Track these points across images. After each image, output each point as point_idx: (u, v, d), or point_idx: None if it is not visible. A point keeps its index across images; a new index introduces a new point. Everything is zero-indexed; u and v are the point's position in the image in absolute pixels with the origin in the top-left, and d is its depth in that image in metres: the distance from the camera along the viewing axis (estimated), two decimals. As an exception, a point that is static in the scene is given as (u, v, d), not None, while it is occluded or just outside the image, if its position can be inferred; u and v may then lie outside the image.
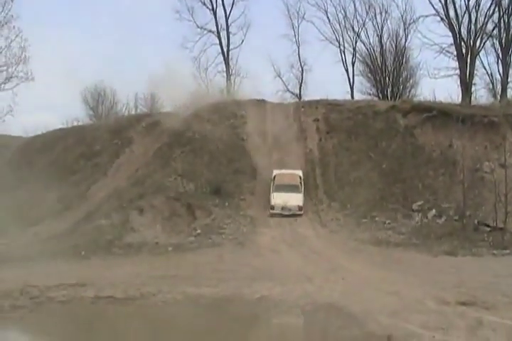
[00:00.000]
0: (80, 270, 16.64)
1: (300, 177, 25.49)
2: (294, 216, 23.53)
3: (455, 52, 37.84)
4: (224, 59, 45.99)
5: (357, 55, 45.38)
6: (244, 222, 22.79)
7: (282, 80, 47.90)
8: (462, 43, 37.51)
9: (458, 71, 37.86)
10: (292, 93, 47.41)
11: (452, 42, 37.83)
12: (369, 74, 44.96)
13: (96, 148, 31.09)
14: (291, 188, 24.34)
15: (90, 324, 12.17)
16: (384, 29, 43.69)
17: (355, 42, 44.89)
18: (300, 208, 23.80)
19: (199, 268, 16.73)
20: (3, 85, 36.92)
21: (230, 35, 45.69)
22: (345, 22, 44.74)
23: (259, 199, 24.97)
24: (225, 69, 46.12)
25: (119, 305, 12.91)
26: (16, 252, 19.55)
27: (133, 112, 46.02)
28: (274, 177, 25.19)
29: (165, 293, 13.51)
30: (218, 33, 45.42)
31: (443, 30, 39.31)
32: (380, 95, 42.95)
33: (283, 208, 23.64)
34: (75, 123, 40.79)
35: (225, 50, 45.86)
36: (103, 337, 11.12)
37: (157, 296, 13.32)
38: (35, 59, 51.02)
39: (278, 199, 23.90)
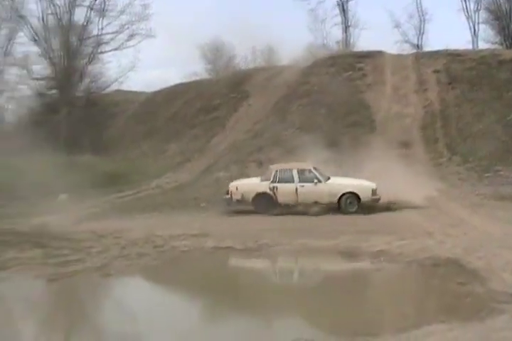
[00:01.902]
0: (200, 221, 17.10)
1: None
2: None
3: None
4: (341, 11, 45.11)
5: (482, 1, 43.18)
6: (362, 176, 22.55)
7: (401, 31, 46.52)
8: None
9: None
10: (411, 44, 46.00)
11: None
12: (494, 22, 42.70)
13: (215, 102, 31.61)
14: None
15: (209, 272, 12.57)
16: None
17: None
18: None
19: (318, 221, 16.82)
20: (126, 42, 38.15)
21: (347, -14, 44.69)
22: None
23: (378, 152, 24.58)
24: (341, 21, 45.28)
25: (238, 255, 13.27)
26: (141, 203, 20.42)
27: (251, 66, 46.24)
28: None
29: (284, 244, 13.69)
30: (335, -17, 44.50)
31: None
32: (506, 43, 40.79)
33: None
34: (194, 78, 41.51)
35: (341, 1, 44.92)
36: (218, 283, 11.43)
37: (275, 248, 13.52)
38: (157, 16, 52.10)
39: None
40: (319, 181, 18.06)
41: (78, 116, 35.47)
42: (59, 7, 37.47)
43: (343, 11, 45.04)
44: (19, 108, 43.14)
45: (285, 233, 14.74)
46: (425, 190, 19.16)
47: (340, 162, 23.43)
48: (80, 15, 38.28)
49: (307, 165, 18.85)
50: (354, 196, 17.87)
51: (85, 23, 38.21)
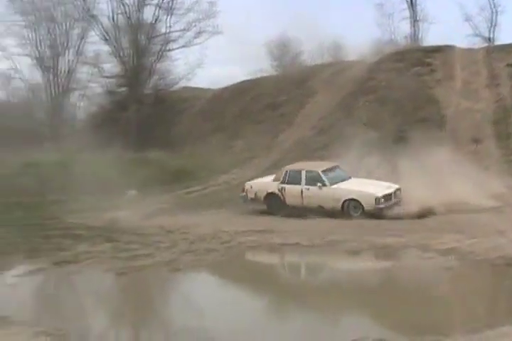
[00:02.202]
0: (266, 217, 17.16)
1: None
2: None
3: None
4: (409, 5, 44.31)
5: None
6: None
7: (472, 24, 45.38)
8: None
9: None
10: (482, 37, 44.79)
11: None
12: None
13: (281, 99, 31.56)
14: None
15: (276, 269, 12.60)
16: None
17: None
18: None
19: (385, 218, 16.63)
20: (194, 40, 38.55)
21: (415, -21, 43.80)
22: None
23: (447, 149, 24.09)
24: (410, 15, 44.47)
25: (305, 252, 13.24)
26: (208, 199, 20.61)
27: (317, 62, 45.98)
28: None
29: (350, 241, 13.60)
30: (403, -23, 43.69)
31: None
32: None
33: None
34: (261, 75, 41.55)
35: (410, -5, 44.12)
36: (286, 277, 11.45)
37: (342, 244, 13.44)
38: (224, 13, 52.36)
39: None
40: (324, 185, 17.31)
41: (147, 113, 35.98)
42: (128, 6, 38.07)
43: (412, 5, 44.18)
44: (90, 105, 44.18)
45: (351, 230, 14.65)
46: (495, 186, 18.64)
47: (406, 159, 23.09)
48: (148, 13, 38.82)
49: (317, 167, 18.14)
50: (357, 203, 16.75)
51: (154, 22, 38.70)
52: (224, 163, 21.73)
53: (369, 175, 19.33)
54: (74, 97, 42.47)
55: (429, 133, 24.74)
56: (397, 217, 15.97)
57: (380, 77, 29.19)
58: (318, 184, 17.28)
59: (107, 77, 40.29)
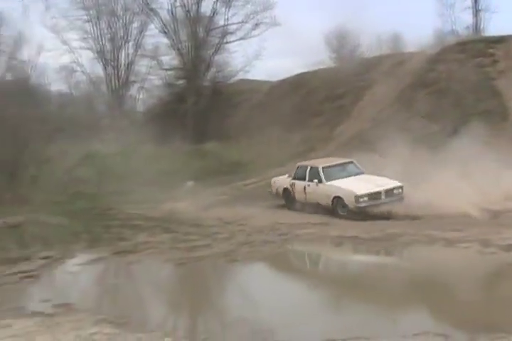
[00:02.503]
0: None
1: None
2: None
3: None
4: (471, -7, 43.31)
5: None
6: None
7: (537, 12, 44.10)
8: None
9: None
10: (548, 26, 43.53)
11: None
12: None
13: (339, 91, 31.31)
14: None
15: (334, 262, 12.54)
16: None
17: None
18: None
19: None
20: (251, 32, 38.59)
21: (479, -33, 42.74)
22: None
23: (509, 142, 23.52)
24: (471, 5, 43.46)
25: (363, 244, 13.14)
26: (264, 191, 20.63)
27: (376, 54, 45.47)
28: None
29: (410, 235, 13.44)
30: (466, -35, 42.70)
31: None
32: None
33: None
34: (319, 67, 41.33)
35: (473, -17, 43.09)
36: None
37: (402, 238, 13.29)
38: (281, 4, 52.33)
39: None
40: (320, 181, 17.13)
41: (204, 105, 36.30)
42: (187, -1, 38.44)
43: (474, -6, 43.25)
44: (149, 98, 44.74)
45: (409, 224, 14.47)
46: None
47: (467, 152, 22.65)
48: (206, 6, 39.04)
49: (323, 163, 18.04)
50: (343, 200, 16.41)
51: (212, 14, 38.92)
52: (281, 155, 21.73)
53: (420, 170, 19.08)
54: (133, 90, 43.09)
55: (492, 126, 24.28)
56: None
57: (440, 68, 28.63)
58: (315, 180, 17.21)
59: (166, 69, 40.75)
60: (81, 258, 11.87)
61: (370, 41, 48.70)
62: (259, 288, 10.33)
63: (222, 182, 21.33)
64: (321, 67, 38.94)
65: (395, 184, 16.81)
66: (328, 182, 17.10)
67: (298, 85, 34.56)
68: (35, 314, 8.09)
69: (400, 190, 16.68)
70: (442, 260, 12.25)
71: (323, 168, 17.65)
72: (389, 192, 16.55)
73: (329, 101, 30.93)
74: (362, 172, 18.06)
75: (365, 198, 16.18)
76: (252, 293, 10.03)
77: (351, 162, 18.53)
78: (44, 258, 11.42)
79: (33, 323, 7.67)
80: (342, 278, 11.01)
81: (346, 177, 17.50)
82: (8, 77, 43.34)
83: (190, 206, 17.05)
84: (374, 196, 16.29)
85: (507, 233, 12.91)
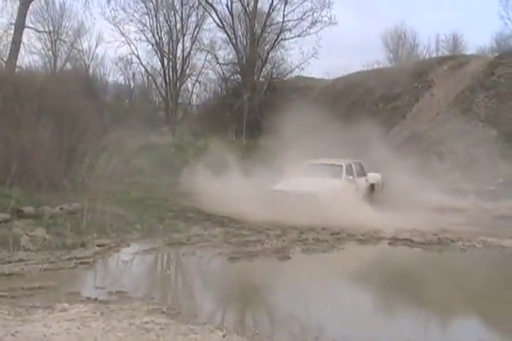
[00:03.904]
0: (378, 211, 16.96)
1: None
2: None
3: None
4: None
5: None
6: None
7: None
8: None
9: None
10: None
11: None
12: None
13: (396, 91, 31.07)
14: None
15: (385, 265, 12.41)
16: None
17: None
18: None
19: (500, 218, 16.09)
20: (308, 29, 38.47)
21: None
22: None
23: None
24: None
25: (416, 248, 13.00)
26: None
27: (434, 55, 44.87)
28: None
29: (464, 240, 13.26)
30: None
31: None
32: None
33: None
34: (376, 66, 41.04)
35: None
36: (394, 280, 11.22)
37: (456, 243, 13.13)
38: (339, 3, 52.14)
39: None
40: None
41: (259, 101, 36.40)
42: (245, -5, 38.50)
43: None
44: (204, 91, 45.10)
45: (467, 228, 14.29)
46: None
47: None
48: (264, 2, 39.14)
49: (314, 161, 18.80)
50: None
51: (269, 10, 38.97)
52: (334, 155, 21.51)
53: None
54: (189, 83, 43.45)
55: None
56: None
57: (500, 72, 28.13)
58: None
59: (222, 64, 40.98)
60: (135, 247, 11.99)
61: (428, 42, 48.22)
62: (309, 286, 10.27)
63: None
64: (379, 66, 38.84)
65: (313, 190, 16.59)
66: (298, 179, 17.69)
67: (354, 84, 34.41)
68: (89, 300, 8.19)
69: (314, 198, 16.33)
70: (494, 268, 12.02)
71: (308, 164, 18.67)
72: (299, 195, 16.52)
73: (385, 102, 30.74)
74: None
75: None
76: (301, 291, 9.97)
77: (358, 163, 19.58)
78: (99, 245, 11.57)
79: (87, 309, 7.77)
80: (396, 281, 10.88)
81: (324, 176, 17.67)
82: (68, 66, 44.32)
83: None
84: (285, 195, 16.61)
85: None
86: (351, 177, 18.25)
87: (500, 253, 12.48)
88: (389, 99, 30.84)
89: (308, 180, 17.59)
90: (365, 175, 19.08)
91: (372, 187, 19.33)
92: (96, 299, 8.23)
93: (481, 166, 22.17)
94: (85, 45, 47.09)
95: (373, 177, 19.68)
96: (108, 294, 8.59)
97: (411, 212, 16.94)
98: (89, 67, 46.39)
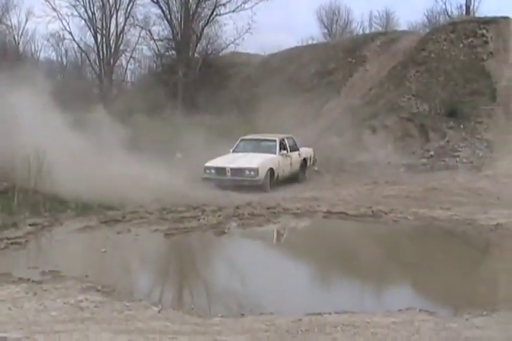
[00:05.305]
0: (313, 185, 17.18)
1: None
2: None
3: None
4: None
5: None
6: (480, 145, 21.80)
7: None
8: None
9: None
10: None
11: None
12: None
13: (330, 67, 31.27)
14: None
15: (319, 236, 12.63)
16: None
17: None
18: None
19: (431, 190, 16.49)
20: (243, 5, 38.16)
21: None
22: None
23: (498, 123, 23.63)
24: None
25: (350, 220, 13.23)
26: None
27: (367, 31, 45.33)
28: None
29: (397, 212, 13.55)
30: None
31: None
32: None
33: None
34: (310, 42, 41.19)
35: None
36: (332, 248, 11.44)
37: (388, 215, 13.40)
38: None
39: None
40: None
41: (194, 77, 36.11)
42: (179, -31, 37.90)
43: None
44: (139, 68, 44.47)
45: (400, 200, 14.61)
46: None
47: (455, 131, 22.79)
48: (198, -23, 38.59)
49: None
50: None
51: (204, -15, 38.47)
52: (270, 130, 21.63)
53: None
54: (123, 59, 42.75)
55: (481, 107, 24.36)
56: None
57: (431, 47, 28.63)
58: None
59: (156, 40, 40.35)
60: (69, 226, 11.82)
61: (361, 18, 48.68)
62: (246, 261, 10.37)
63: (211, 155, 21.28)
64: (313, 42, 39.00)
65: (251, 165, 17.01)
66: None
67: (289, 60, 34.46)
68: (22, 280, 8.04)
69: (253, 173, 16.83)
70: (422, 238, 12.36)
71: (241, 140, 18.91)
72: (236, 171, 17.01)
73: (319, 77, 30.91)
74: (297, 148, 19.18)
75: (212, 170, 17.20)
76: (238, 266, 10.05)
77: (290, 137, 19.45)
78: (32, 225, 11.38)
79: (20, 289, 7.64)
80: (328, 252, 11.06)
81: (258, 152, 18.13)
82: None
83: (179, 177, 16.99)
84: (220, 171, 17.09)
85: (493, 213, 13.08)
86: (285, 152, 18.35)
87: (430, 224, 12.81)
88: (323, 75, 31.01)
89: (243, 156, 17.70)
90: (297, 149, 19.22)
91: (304, 161, 19.52)
92: (28, 279, 8.09)
93: (413, 140, 22.69)
94: (14, 21, 45.61)
95: (306, 151, 19.89)
96: (41, 274, 8.45)
97: (345, 186, 17.28)
98: (18, 43, 45.14)
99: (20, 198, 12.61)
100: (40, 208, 12.54)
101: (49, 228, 11.55)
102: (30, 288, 7.72)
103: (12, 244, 10.14)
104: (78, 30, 41.58)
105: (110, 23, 40.13)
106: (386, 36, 32.96)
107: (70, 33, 40.72)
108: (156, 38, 40.23)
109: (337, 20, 50.73)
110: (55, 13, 39.26)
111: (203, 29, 38.41)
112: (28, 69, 19.84)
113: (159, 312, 7.00)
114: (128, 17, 40.17)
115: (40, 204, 12.63)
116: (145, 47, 42.09)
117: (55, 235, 11.22)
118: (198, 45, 38.92)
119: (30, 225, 11.37)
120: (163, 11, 38.36)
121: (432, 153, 21.54)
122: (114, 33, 40.20)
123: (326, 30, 50.17)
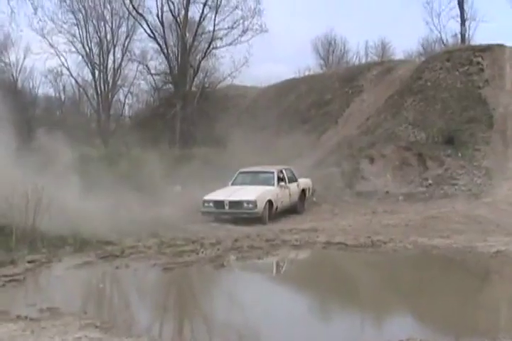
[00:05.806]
0: (311, 216, 17.15)
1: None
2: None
3: None
4: (458, 3, 43.56)
5: None
6: (479, 173, 21.80)
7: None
8: None
9: None
10: (535, 35, 43.85)
11: None
12: None
13: (327, 97, 31.48)
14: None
15: (320, 268, 12.57)
16: None
17: None
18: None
19: (430, 218, 16.47)
20: (239, 38, 38.55)
21: (464, -22, 43.04)
22: None
23: (495, 150, 23.69)
24: (459, 13, 43.73)
25: (349, 251, 13.19)
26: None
27: (363, 60, 45.72)
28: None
29: (396, 242, 13.52)
30: (452, -25, 43.02)
31: None
32: None
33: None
34: (307, 73, 41.47)
35: (460, -7, 43.37)
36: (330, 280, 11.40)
37: (388, 245, 13.37)
38: (269, 10, 52.55)
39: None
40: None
41: (192, 110, 36.32)
42: (175, 4, 38.30)
43: (461, 3, 43.47)
44: (137, 102, 44.74)
45: (399, 229, 14.58)
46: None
47: (453, 159, 22.82)
48: (195, 11, 39.04)
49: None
50: None
51: (200, 20, 38.89)
52: (268, 161, 21.71)
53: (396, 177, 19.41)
54: (121, 94, 43.04)
55: (478, 134, 24.45)
56: None
57: (427, 76, 28.85)
58: None
59: (153, 74, 40.70)
60: (67, 262, 11.77)
61: (357, 48, 49.14)
62: (245, 294, 10.31)
63: (209, 187, 21.31)
64: (310, 73, 39.27)
65: (249, 197, 17.06)
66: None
67: (285, 91, 34.71)
68: (19, 318, 7.98)
69: (251, 205, 16.86)
70: (425, 268, 12.31)
71: (239, 172, 18.99)
72: (234, 204, 17.06)
73: (317, 108, 31.09)
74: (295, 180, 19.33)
75: (211, 204, 17.17)
76: (238, 299, 10.01)
77: (288, 169, 19.66)
78: (30, 262, 11.33)
79: (17, 327, 7.57)
80: (328, 284, 11.01)
81: (256, 184, 18.31)
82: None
83: (177, 211, 16.99)
84: (218, 204, 17.10)
85: (492, 241, 13.03)
86: (283, 183, 18.39)
87: (430, 252, 12.76)
88: (320, 105, 31.21)
89: (241, 188, 17.74)
90: (296, 180, 19.26)
91: (303, 192, 19.54)
92: (26, 317, 8.01)
93: (411, 168, 22.70)
94: (12, 58, 45.98)
95: (304, 182, 19.93)
96: (39, 311, 8.39)
97: (344, 216, 17.27)
98: (17, 80, 45.46)
99: (18, 235, 12.56)
100: (39, 245, 12.49)
101: (47, 264, 11.49)
102: (28, 325, 7.66)
103: (10, 281, 10.08)
104: (76, 66, 41.85)
105: (108, 59, 40.54)
106: (382, 65, 33.22)
107: (68, 69, 41.10)
108: (153, 72, 40.65)
109: (333, 51, 51.16)
110: (52, 50, 39.63)
111: (199, 62, 38.75)
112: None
113: (158, 347, 6.95)
114: (125, 52, 40.64)
115: (38, 241, 12.59)
116: (142, 82, 42.47)
117: (53, 271, 11.18)
118: (195, 79, 39.22)
119: (28, 262, 11.32)
120: (160, 45, 38.76)
121: (430, 181, 21.53)
122: (112, 68, 40.54)
123: (322, 61, 50.57)
